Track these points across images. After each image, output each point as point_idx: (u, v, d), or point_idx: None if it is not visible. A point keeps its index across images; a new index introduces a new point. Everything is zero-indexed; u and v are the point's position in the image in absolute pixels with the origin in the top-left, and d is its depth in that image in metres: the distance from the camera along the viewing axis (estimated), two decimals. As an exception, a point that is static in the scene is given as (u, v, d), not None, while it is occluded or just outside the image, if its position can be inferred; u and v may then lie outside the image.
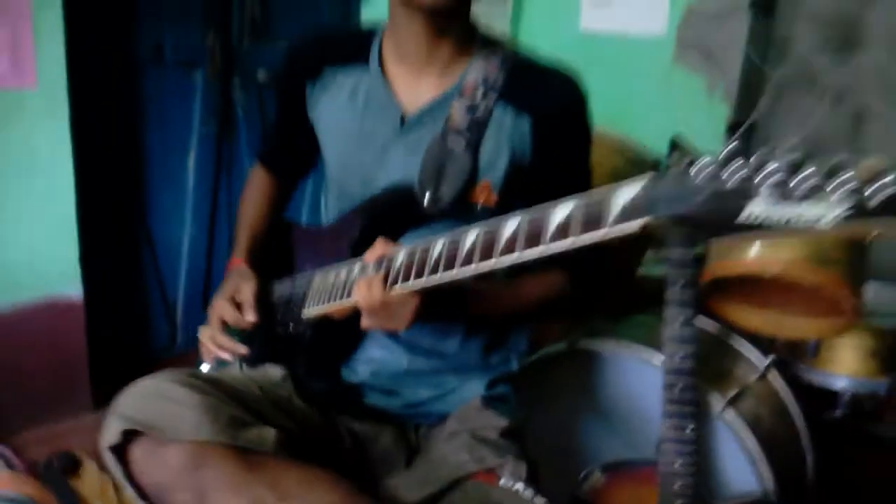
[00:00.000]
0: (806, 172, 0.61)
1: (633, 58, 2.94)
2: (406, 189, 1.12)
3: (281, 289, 1.28)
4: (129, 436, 0.98)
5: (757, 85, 2.89)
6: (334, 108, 1.20)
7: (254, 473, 0.96)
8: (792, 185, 0.61)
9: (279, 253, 1.35)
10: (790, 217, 0.61)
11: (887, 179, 0.58)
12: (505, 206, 1.11)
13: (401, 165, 1.14)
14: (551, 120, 1.12)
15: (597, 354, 1.66)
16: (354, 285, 1.02)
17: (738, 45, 2.74)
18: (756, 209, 0.62)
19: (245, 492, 0.94)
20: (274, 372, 1.20)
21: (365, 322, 1.03)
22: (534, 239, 0.83)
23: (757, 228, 0.63)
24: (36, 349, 2.09)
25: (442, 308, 1.06)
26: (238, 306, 1.21)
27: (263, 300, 1.24)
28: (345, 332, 1.12)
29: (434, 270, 0.93)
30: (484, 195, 1.12)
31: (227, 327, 1.22)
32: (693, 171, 0.67)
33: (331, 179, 1.25)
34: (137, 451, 0.98)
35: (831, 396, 1.91)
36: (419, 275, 0.95)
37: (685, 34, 2.82)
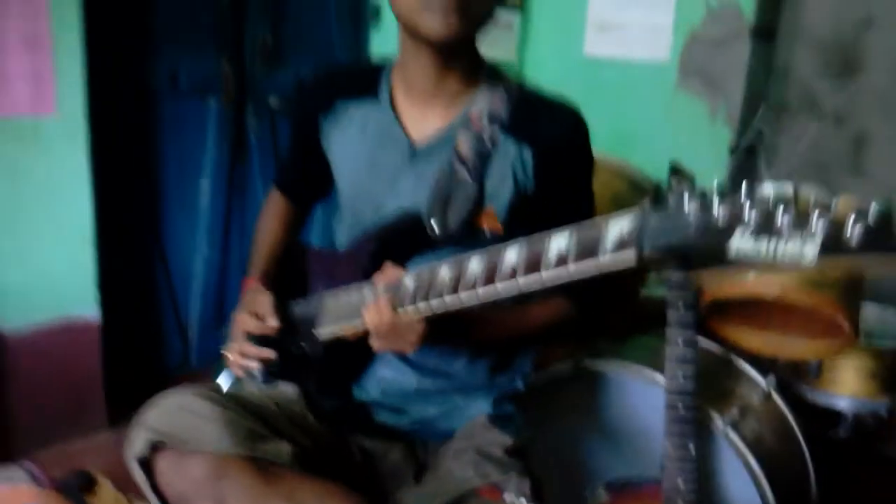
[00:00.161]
0: (789, 209, 0.64)
1: (637, 83, 2.99)
2: (414, 216, 1.16)
3: (296, 309, 1.31)
4: (155, 448, 1.03)
5: (759, 109, 2.94)
6: (346, 140, 1.25)
7: (271, 485, 1.02)
8: (776, 221, 0.64)
9: (294, 274, 1.38)
10: (774, 252, 0.64)
11: (864, 216, 0.61)
12: (510, 232, 1.15)
13: (410, 193, 1.18)
14: (553, 152, 1.16)
15: (601, 375, 1.69)
16: (364, 308, 1.06)
17: (739, 71, 2.80)
18: (742, 244, 0.66)
19: (262, 502, 0.99)
20: (288, 390, 1.24)
21: (374, 344, 1.07)
22: (533, 267, 0.86)
23: (744, 262, 0.67)
24: (53, 369, 2.13)
25: (448, 331, 1.10)
26: (258, 317, 1.24)
27: (281, 315, 1.27)
28: (356, 352, 1.15)
29: (439, 295, 0.97)
30: (489, 222, 1.16)
31: (251, 336, 1.25)
32: (683, 204, 0.71)
33: (343, 206, 1.29)
34: (163, 463, 1.04)
35: (835, 416, 1.94)
36: (426, 298, 0.99)
37: (688, 60, 2.88)
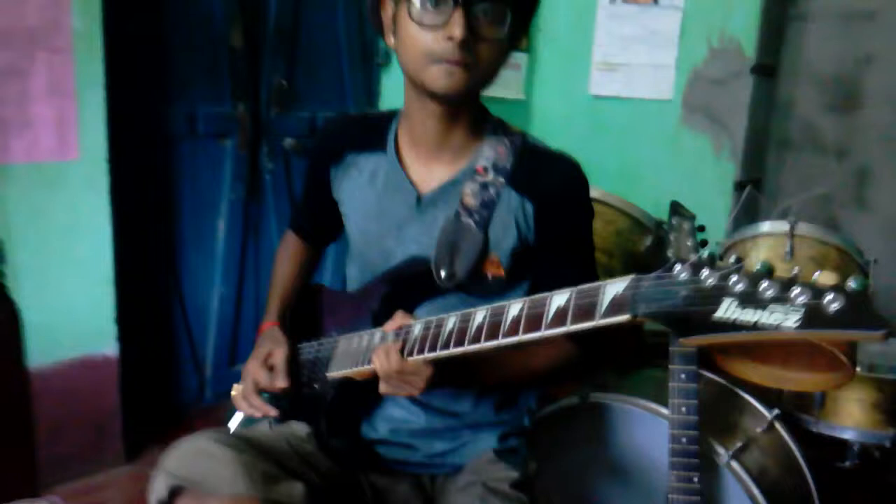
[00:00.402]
0: (773, 282, 0.68)
1: (642, 120, 3.06)
2: (422, 263, 1.20)
3: (308, 350, 1.36)
4: (175, 492, 1.09)
5: (762, 145, 2.99)
6: (355, 189, 1.30)
7: None
8: (760, 292, 0.68)
9: (308, 313, 1.44)
10: (757, 321, 0.68)
11: (841, 293, 0.65)
12: (513, 277, 1.21)
13: (416, 241, 1.23)
14: (553, 205, 1.20)
15: (607, 407, 1.72)
16: (373, 353, 1.11)
17: (742, 107, 2.87)
18: (728, 313, 0.69)
19: None
20: (299, 428, 1.29)
21: (382, 388, 1.11)
22: (534, 324, 0.91)
23: (730, 330, 0.70)
24: (74, 404, 2.19)
25: (454, 376, 1.14)
26: (270, 369, 1.30)
27: (293, 363, 1.32)
28: (365, 392, 1.19)
29: (446, 345, 1.01)
30: (493, 268, 1.20)
31: (259, 388, 1.30)
32: (675, 271, 0.75)
33: (353, 251, 1.34)
34: None
35: (841, 446, 1.95)
36: (433, 347, 1.03)
37: (691, 97, 2.95)
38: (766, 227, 1.66)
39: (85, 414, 2.22)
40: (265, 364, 1.30)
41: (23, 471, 2.01)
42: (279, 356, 1.30)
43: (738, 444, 1.61)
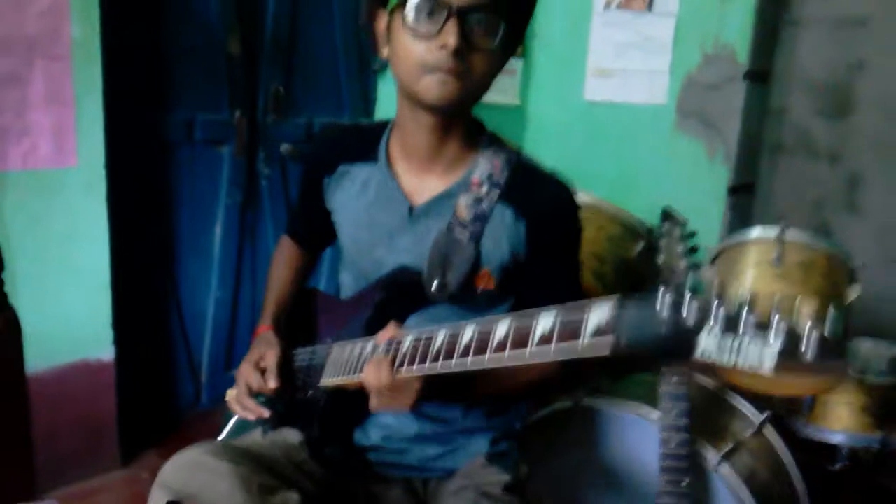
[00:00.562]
0: (752, 313, 0.68)
1: (636, 126, 3.09)
2: (414, 273, 1.21)
3: (303, 356, 1.37)
4: None
5: (755, 150, 3.02)
6: (347, 199, 1.31)
7: None
8: (738, 329, 0.68)
9: (303, 317, 1.45)
10: (736, 357, 0.68)
11: (820, 326, 0.66)
12: (503, 290, 1.23)
13: (408, 251, 1.24)
14: (545, 226, 1.22)
15: (599, 411, 1.73)
16: (365, 365, 1.12)
17: (735, 113, 2.89)
18: (708, 344, 0.70)
19: None
20: (292, 436, 1.30)
21: (373, 403, 1.12)
22: (520, 343, 0.91)
23: (710, 363, 0.71)
24: (71, 409, 2.20)
25: (442, 391, 1.14)
26: (262, 372, 1.31)
27: (286, 366, 1.34)
28: (358, 400, 1.20)
29: (435, 359, 1.02)
30: (484, 281, 1.21)
31: (251, 391, 1.32)
32: (657, 300, 0.75)
33: (346, 259, 1.36)
34: None
35: (831, 449, 1.97)
36: (422, 361, 1.04)
37: (685, 103, 2.97)
38: (755, 233, 1.68)
39: (81, 418, 2.24)
40: (257, 367, 1.32)
41: (21, 475, 2.02)
42: (271, 358, 1.31)
43: (728, 448, 1.62)
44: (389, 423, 1.30)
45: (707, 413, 1.76)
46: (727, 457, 1.60)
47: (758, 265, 1.64)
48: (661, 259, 1.61)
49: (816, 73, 2.90)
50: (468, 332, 0.99)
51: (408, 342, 1.08)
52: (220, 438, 1.45)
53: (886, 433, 1.90)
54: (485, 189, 1.20)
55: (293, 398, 1.32)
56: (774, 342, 0.66)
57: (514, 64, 3.25)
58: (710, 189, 2.93)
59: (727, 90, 2.87)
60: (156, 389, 2.62)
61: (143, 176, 2.44)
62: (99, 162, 2.14)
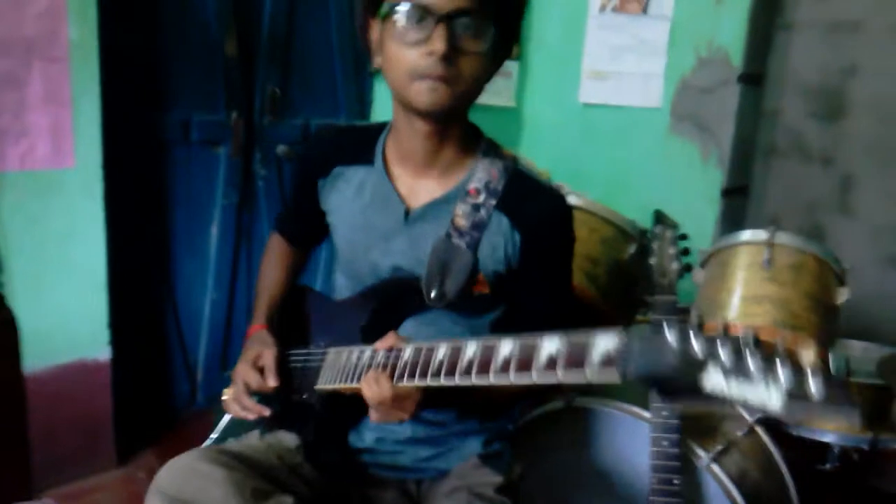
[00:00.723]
0: (756, 352, 0.70)
1: (631, 128, 3.11)
2: (410, 278, 1.23)
3: (297, 358, 1.37)
4: None
5: (749, 152, 3.04)
6: (343, 201, 1.32)
7: None
8: (745, 362, 0.70)
9: (293, 314, 1.46)
10: (745, 399, 0.70)
11: (821, 377, 0.67)
12: (496, 295, 1.25)
13: (404, 254, 1.25)
14: (540, 238, 1.23)
15: (591, 411, 1.75)
16: (363, 378, 1.12)
17: (729, 115, 2.90)
18: (715, 381, 0.72)
19: None
20: (288, 439, 1.31)
21: (373, 416, 1.13)
22: (525, 365, 0.92)
23: (717, 398, 0.72)
24: (67, 409, 2.22)
25: (438, 399, 1.16)
26: (260, 371, 1.31)
27: (282, 366, 1.34)
28: (353, 404, 1.21)
29: (436, 374, 1.03)
30: (479, 286, 1.23)
31: (250, 390, 1.32)
32: (664, 333, 0.77)
33: (341, 260, 1.37)
34: None
35: (822, 449, 1.98)
36: (423, 375, 1.04)
37: (679, 106, 2.99)
38: (745, 235, 1.70)
39: (78, 418, 2.25)
40: (255, 365, 1.32)
41: (18, 474, 2.04)
42: (268, 357, 1.31)
43: (719, 448, 1.64)
44: (383, 426, 1.31)
45: (698, 413, 1.78)
46: (718, 456, 1.62)
47: (748, 267, 1.65)
48: (653, 261, 1.63)
49: (810, 76, 2.92)
50: (471, 349, 1.00)
51: (408, 353, 1.09)
52: (212, 437, 1.45)
53: (876, 434, 1.91)
54: (482, 197, 1.21)
55: (289, 399, 1.32)
56: (781, 381, 0.68)
57: (510, 66, 3.27)
58: (703, 191, 2.95)
59: (721, 93, 2.89)
60: (152, 389, 2.63)
61: (139, 176, 2.45)
62: (96, 162, 2.15)
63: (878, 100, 2.79)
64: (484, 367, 0.97)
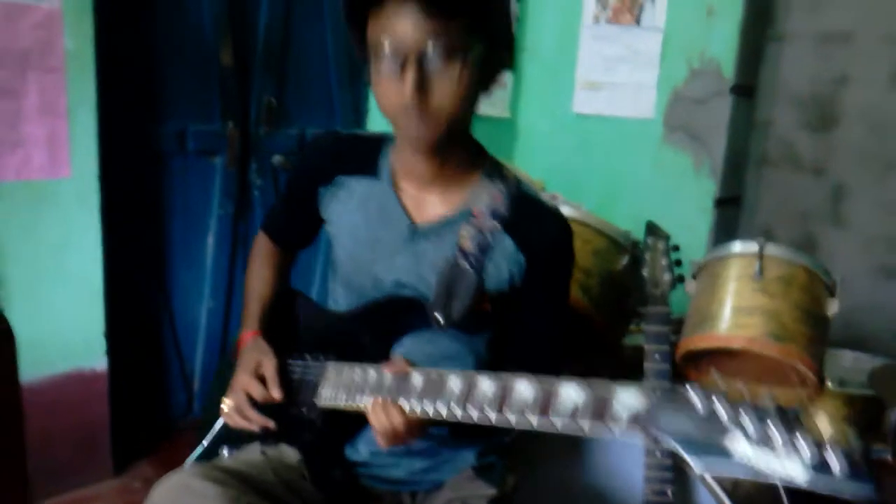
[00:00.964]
0: (780, 427, 0.73)
1: (624, 138, 3.13)
2: (416, 299, 1.24)
3: (294, 368, 1.35)
4: None
5: (741, 163, 3.06)
6: (346, 212, 1.31)
7: None
8: (769, 436, 0.73)
9: (283, 319, 1.43)
10: (771, 466, 0.73)
11: (843, 454, 0.70)
12: (497, 312, 1.26)
13: (406, 270, 1.25)
14: (543, 261, 1.25)
15: (585, 422, 1.76)
16: (371, 405, 1.11)
17: (721, 126, 2.93)
18: (740, 447, 0.75)
19: None
20: (289, 454, 1.30)
21: (380, 441, 1.12)
22: (545, 410, 0.94)
23: (746, 472, 0.75)
24: (64, 418, 2.22)
25: (443, 423, 1.15)
26: (261, 381, 1.29)
27: (282, 375, 1.31)
28: (352, 419, 1.21)
29: (447, 405, 1.04)
30: (483, 306, 1.24)
31: (252, 401, 1.30)
32: (690, 395, 0.80)
33: (340, 272, 1.36)
34: None
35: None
36: (432, 404, 1.05)
37: (672, 116, 3.01)
38: (736, 247, 1.72)
39: (74, 427, 2.25)
40: (256, 375, 1.29)
41: (15, 483, 2.04)
42: (269, 367, 1.29)
43: (711, 458, 1.65)
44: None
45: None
46: (710, 467, 1.62)
47: (739, 279, 1.67)
48: (645, 272, 1.64)
49: (801, 87, 2.95)
50: (486, 385, 1.01)
51: (417, 381, 1.09)
52: (203, 444, 1.41)
53: (868, 444, 1.93)
54: (487, 220, 1.23)
55: (287, 411, 1.31)
56: (805, 455, 0.71)
57: (505, 76, 3.28)
58: (696, 201, 2.97)
59: (713, 104, 2.91)
60: (148, 399, 2.63)
61: (136, 186, 2.46)
62: (92, 173, 2.16)
63: (869, 110, 2.82)
64: (500, 406, 0.98)
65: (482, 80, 1.15)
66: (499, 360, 1.35)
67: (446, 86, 1.08)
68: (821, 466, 0.70)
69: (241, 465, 1.24)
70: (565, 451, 1.78)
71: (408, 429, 1.09)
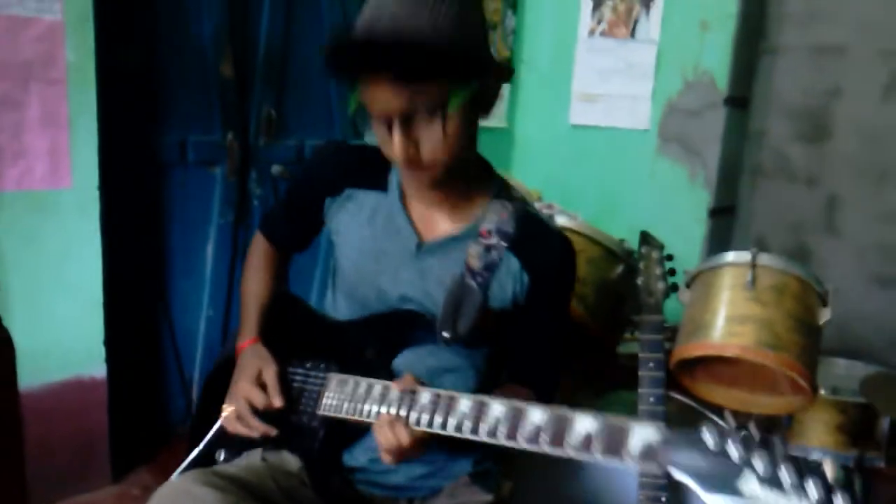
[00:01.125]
0: (790, 468, 0.76)
1: (620, 149, 3.16)
2: (422, 314, 1.25)
3: (294, 375, 1.35)
4: None
5: (735, 173, 3.09)
6: (354, 224, 1.32)
7: None
8: (779, 477, 0.76)
9: (279, 323, 1.43)
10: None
11: (848, 494, 0.74)
12: (497, 327, 1.29)
13: (411, 285, 1.27)
14: (548, 280, 1.27)
15: (580, 429, 1.77)
16: (377, 422, 1.12)
17: (716, 137, 2.96)
18: (751, 487, 0.77)
19: None
20: (290, 461, 1.31)
21: (385, 458, 1.13)
22: (558, 439, 0.95)
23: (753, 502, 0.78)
24: (61, 425, 2.23)
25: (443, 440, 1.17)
26: (262, 387, 1.30)
27: (283, 383, 1.31)
28: (353, 428, 1.22)
29: (458, 428, 1.05)
30: (486, 323, 1.26)
31: (254, 408, 1.30)
32: (704, 433, 0.82)
33: (343, 282, 1.37)
34: None
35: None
36: (443, 426, 1.06)
37: (667, 128, 3.05)
38: (729, 257, 1.73)
39: (73, 434, 2.27)
40: (257, 383, 1.29)
41: (13, 490, 2.04)
42: (271, 374, 1.29)
43: (705, 465, 1.66)
44: (376, 446, 1.32)
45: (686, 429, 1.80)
46: (704, 474, 1.64)
47: (732, 288, 1.69)
48: (639, 281, 1.67)
49: (794, 99, 2.98)
50: (497, 408, 1.02)
51: (426, 399, 1.10)
52: (197, 450, 1.39)
53: (861, 451, 1.94)
54: (494, 239, 1.25)
55: (288, 419, 1.31)
56: (812, 497, 0.74)
57: (502, 88, 3.31)
58: (691, 211, 2.99)
59: (707, 115, 2.94)
60: (147, 406, 2.64)
61: (136, 197, 2.48)
62: (93, 183, 2.19)
63: (862, 121, 2.85)
64: (511, 432, 0.99)
65: (476, 116, 1.18)
66: (497, 373, 1.37)
67: (435, 138, 1.11)
68: None
69: (240, 472, 1.25)
70: (561, 458, 1.79)
71: (414, 446, 1.10)
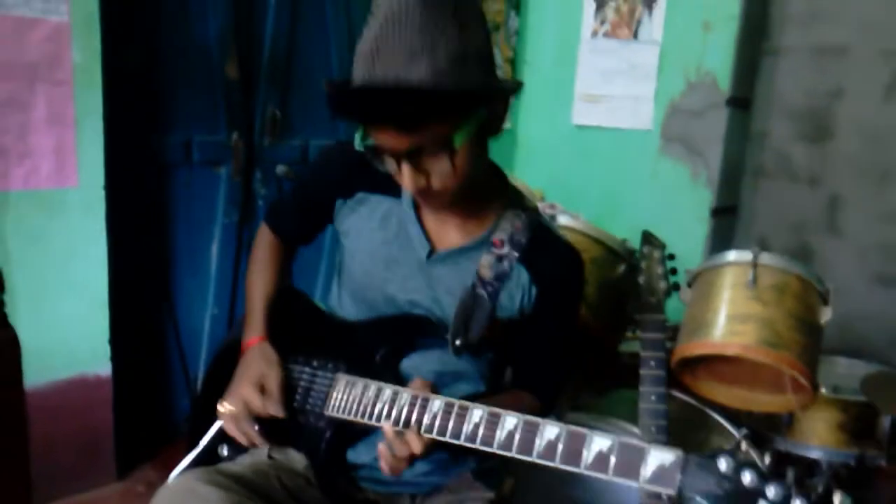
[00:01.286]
0: (802, 499, 0.79)
1: (623, 149, 3.17)
2: (432, 320, 1.27)
3: (300, 374, 1.34)
4: None
5: (737, 173, 3.09)
6: (366, 228, 1.32)
7: None
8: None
9: (283, 317, 1.42)
10: None
11: None
12: (505, 336, 1.30)
13: (421, 292, 1.28)
14: (556, 293, 1.29)
15: (582, 427, 1.77)
16: (389, 434, 1.11)
17: (718, 138, 2.96)
18: None
19: None
20: (296, 460, 1.31)
21: (385, 469, 1.13)
22: (574, 457, 0.97)
23: None
24: (66, 423, 2.25)
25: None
26: (262, 392, 1.29)
27: (287, 388, 1.31)
28: (357, 427, 1.23)
29: (471, 439, 1.05)
30: (494, 331, 1.28)
31: (251, 413, 1.30)
32: (720, 461, 0.84)
33: (352, 282, 1.37)
34: None
35: (813, 465, 2.02)
36: (455, 436, 1.06)
37: (669, 128, 3.05)
38: (731, 256, 1.75)
39: (78, 432, 2.28)
40: (258, 386, 1.28)
41: (18, 488, 2.06)
42: (273, 380, 1.29)
43: (706, 463, 1.67)
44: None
45: (686, 429, 1.82)
46: (705, 472, 1.65)
47: (733, 287, 1.70)
48: (641, 280, 1.68)
49: (796, 99, 2.98)
50: (511, 422, 1.02)
51: (437, 406, 1.10)
52: (201, 445, 1.39)
53: (862, 450, 1.95)
54: (506, 249, 1.26)
55: (293, 420, 1.31)
56: None
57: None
58: (693, 211, 3.00)
59: (710, 116, 2.95)
60: (152, 404, 2.66)
61: (141, 196, 2.49)
62: (98, 182, 2.20)
63: (864, 122, 2.85)
64: (526, 447, 1.00)
65: (486, 140, 1.18)
66: (501, 378, 1.39)
67: (444, 171, 1.11)
68: None
69: (245, 471, 1.25)
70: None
71: (423, 454, 1.11)
